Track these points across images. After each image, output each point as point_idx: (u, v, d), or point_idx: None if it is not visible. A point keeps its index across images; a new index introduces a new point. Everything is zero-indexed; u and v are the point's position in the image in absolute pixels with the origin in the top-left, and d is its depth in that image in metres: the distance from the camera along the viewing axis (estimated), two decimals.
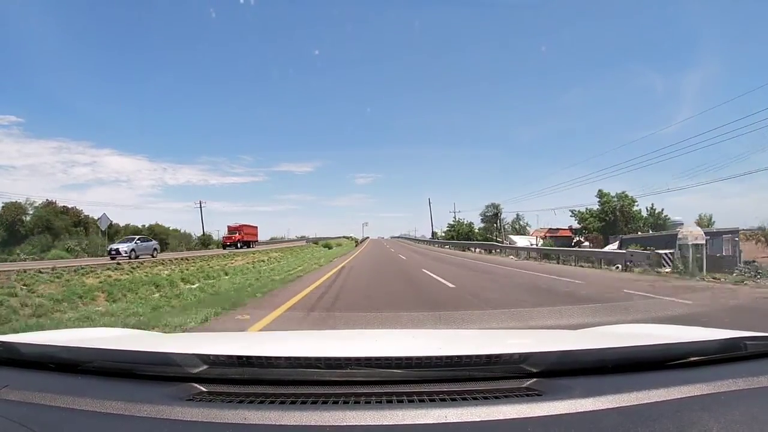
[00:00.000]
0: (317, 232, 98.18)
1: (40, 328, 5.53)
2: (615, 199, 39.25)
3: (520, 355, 1.09)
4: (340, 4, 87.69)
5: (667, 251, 14.16)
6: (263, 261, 25.63)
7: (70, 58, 78.18)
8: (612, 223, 38.42)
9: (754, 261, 15.28)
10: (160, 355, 1.18)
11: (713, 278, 12.16)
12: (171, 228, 51.40)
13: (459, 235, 50.12)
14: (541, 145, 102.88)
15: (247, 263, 23.75)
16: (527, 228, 56.53)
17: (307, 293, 8.83)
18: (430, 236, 70.56)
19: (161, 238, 46.66)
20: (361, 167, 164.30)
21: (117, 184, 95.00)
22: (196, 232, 52.19)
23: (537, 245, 31.71)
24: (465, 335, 2.55)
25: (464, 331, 4.25)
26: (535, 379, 1.04)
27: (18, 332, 4.27)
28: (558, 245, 30.02)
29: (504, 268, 16.55)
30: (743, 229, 25.08)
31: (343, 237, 67.00)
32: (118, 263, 18.32)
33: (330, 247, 46.23)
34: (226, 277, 16.03)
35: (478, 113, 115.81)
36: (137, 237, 24.39)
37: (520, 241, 41.72)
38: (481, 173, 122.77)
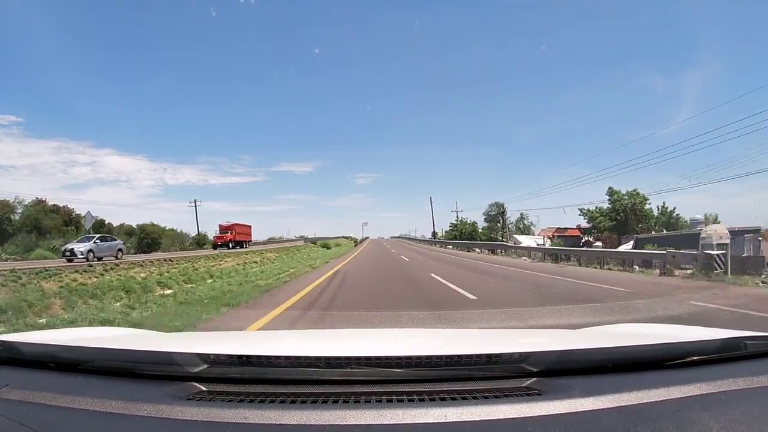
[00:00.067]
0: (317, 232, 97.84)
1: None
2: (626, 198, 37.55)
3: (520, 354, 1.09)
4: (340, 4, 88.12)
5: (718, 252, 12.50)
6: (255, 262, 24.15)
7: (70, 58, 78.21)
8: (623, 222, 36.73)
9: None
10: (161, 354, 1.18)
11: (763, 282, 10.56)
12: (168, 228, 50.51)
13: (462, 235, 48.42)
14: (541, 145, 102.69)
15: (237, 265, 22.27)
16: (531, 228, 54.82)
17: (292, 303, 7.48)
18: (431, 236, 69.50)
19: (153, 237, 45.21)
20: (361, 167, 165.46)
21: (117, 184, 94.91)
22: (194, 231, 50.81)
23: (544, 245, 30.00)
24: (465, 334, 2.54)
25: (464, 330, 4.15)
26: (535, 379, 1.03)
27: None
28: (567, 245, 28.32)
29: (524, 271, 14.53)
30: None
31: (343, 237, 65.84)
32: (90, 265, 16.70)
33: (328, 248, 44.69)
34: (209, 281, 14.68)
35: (479, 113, 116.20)
36: (97, 236, 21.19)
37: (526, 240, 40.00)
38: (481, 173, 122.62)
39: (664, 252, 14.18)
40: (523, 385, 1.02)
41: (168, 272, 17.60)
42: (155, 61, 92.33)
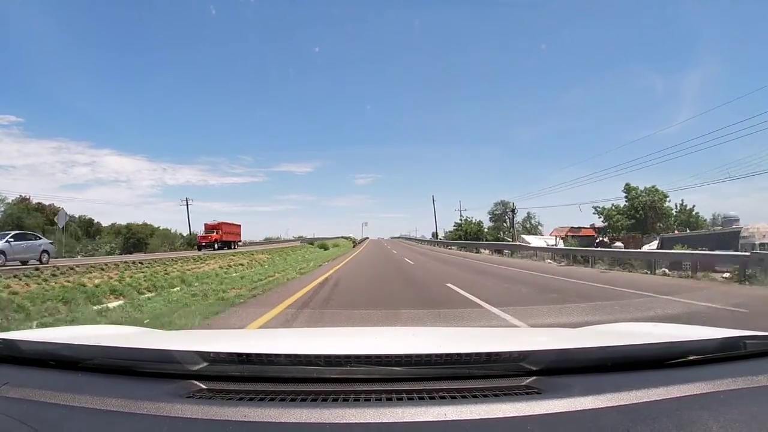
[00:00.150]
0: (317, 232, 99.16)
1: None
2: (644, 194, 34.97)
3: (520, 353, 1.09)
4: (340, 4, 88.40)
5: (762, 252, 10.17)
6: (241, 265, 21.73)
7: (70, 58, 78.51)
8: (642, 220, 34.14)
9: None
10: (161, 352, 1.17)
11: None
12: (162, 227, 48.93)
13: (467, 235, 45.77)
14: (543, 145, 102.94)
15: (219, 268, 19.86)
16: (539, 227, 52.32)
17: (259, 325, 5.53)
18: (431, 236, 67.52)
19: (140, 237, 42.65)
20: (361, 168, 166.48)
21: (116, 184, 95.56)
22: (193, 231, 48.47)
23: (556, 245, 27.42)
24: (465, 333, 2.48)
25: (464, 328, 4.06)
26: (534, 377, 1.04)
27: None
28: (583, 245, 25.76)
29: (551, 277, 11.98)
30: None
31: (342, 237, 63.54)
32: (36, 268, 14.14)
33: (326, 248, 42.19)
34: (175, 289, 12.39)
35: (479, 113, 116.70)
36: (12, 233, 16.53)
37: (534, 241, 37.56)
38: (482, 173, 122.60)
39: (747, 253, 12.01)
40: (522, 383, 1.02)
41: (132, 277, 15.06)
42: (155, 61, 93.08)
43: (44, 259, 16.67)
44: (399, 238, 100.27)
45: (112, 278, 14.71)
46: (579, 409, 0.89)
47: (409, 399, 0.95)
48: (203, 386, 1.02)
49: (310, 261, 21.41)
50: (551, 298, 7.67)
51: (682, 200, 36.38)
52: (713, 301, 7.20)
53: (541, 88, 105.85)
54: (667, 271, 13.15)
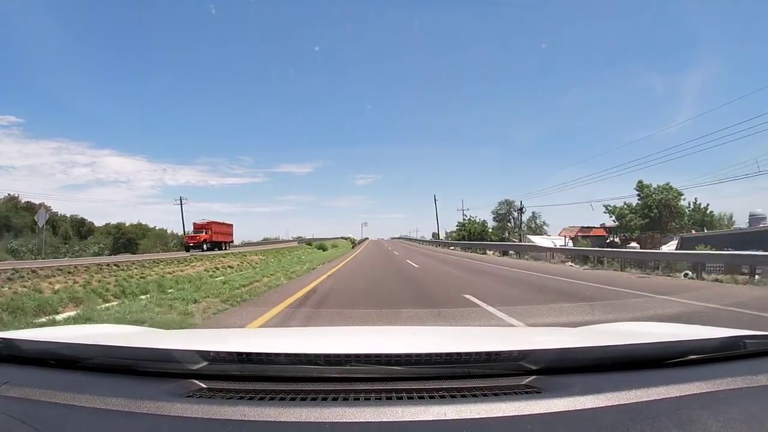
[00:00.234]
0: (317, 233, 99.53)
1: None
2: (657, 192, 33.20)
3: (520, 352, 1.09)
4: (340, 4, 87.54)
5: None
6: (230, 268, 20.11)
7: (69, 58, 78.07)
8: (656, 219, 32.42)
9: None
10: (161, 351, 1.17)
11: None
12: (158, 227, 48.70)
13: (470, 235, 43.98)
14: (544, 145, 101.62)
15: (205, 270, 18.30)
16: (544, 227, 50.60)
17: None
18: (431, 237, 66.21)
19: (130, 237, 41.03)
20: (361, 168, 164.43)
21: (116, 184, 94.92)
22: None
23: (566, 246, 25.76)
24: (465, 332, 2.46)
25: (464, 328, 4.01)
26: (534, 377, 1.03)
27: None
28: (596, 246, 24.05)
29: (576, 282, 10.24)
30: None
31: (341, 238, 61.91)
32: None
33: (324, 249, 40.60)
34: (144, 297, 10.73)
35: (479, 113, 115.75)
36: None
37: (541, 241, 35.85)
38: (482, 173, 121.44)
39: (753, 253, 11.12)
40: (522, 383, 1.02)
41: (101, 282, 13.40)
42: (155, 61, 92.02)
43: None
44: (399, 238, 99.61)
45: (77, 283, 13.04)
46: (579, 408, 0.89)
47: (409, 398, 0.95)
48: (203, 385, 1.02)
49: (305, 263, 19.70)
50: (590, 311, 6.21)
51: (695, 198, 34.63)
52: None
53: (541, 88, 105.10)
54: (690, 273, 11.63)
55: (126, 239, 39.49)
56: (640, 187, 34.07)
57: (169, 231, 48.57)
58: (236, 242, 58.03)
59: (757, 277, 10.29)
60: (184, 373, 1.06)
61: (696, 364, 1.12)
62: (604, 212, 35.50)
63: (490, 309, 6.32)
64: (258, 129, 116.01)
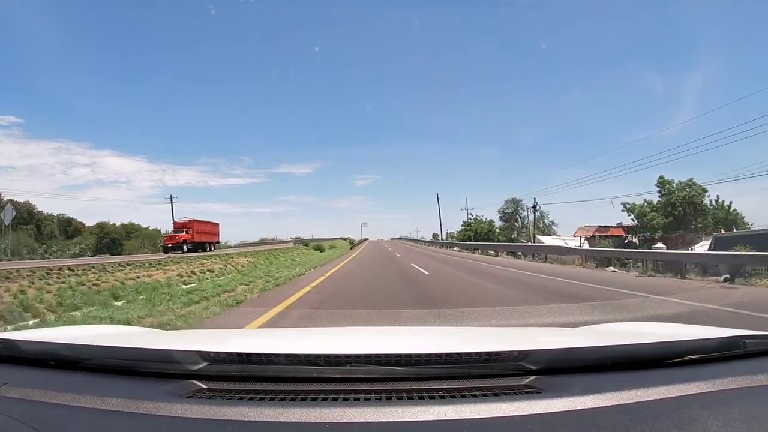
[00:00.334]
0: (317, 233, 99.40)
1: None
2: (680, 188, 30.70)
3: (520, 352, 1.08)
4: (340, 4, 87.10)
5: None
6: (210, 272, 17.65)
7: (69, 58, 78.08)
8: (680, 218, 29.92)
9: None
10: (161, 352, 1.16)
11: None
12: (151, 228, 46.93)
13: (476, 235, 41.54)
14: (545, 145, 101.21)
15: (178, 275, 15.76)
16: (553, 227, 48.06)
17: None
18: (431, 237, 64.19)
19: (113, 237, 38.48)
20: (361, 169, 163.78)
21: (116, 185, 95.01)
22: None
23: (581, 247, 23.23)
24: (465, 332, 2.47)
25: (464, 328, 4.05)
26: (534, 377, 1.03)
27: None
28: (616, 247, 21.56)
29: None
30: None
31: (341, 239, 59.59)
32: None
33: (321, 250, 38.05)
34: (78, 312, 8.58)
35: (480, 113, 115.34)
36: None
37: (550, 241, 33.35)
38: (483, 173, 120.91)
39: None
40: (522, 383, 1.01)
41: (40, 289, 10.97)
42: (155, 61, 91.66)
43: None
44: (399, 239, 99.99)
45: (9, 291, 10.52)
46: (579, 408, 0.89)
47: (409, 398, 0.94)
48: (203, 386, 1.02)
49: (295, 266, 17.26)
50: None
51: (718, 196, 31.98)
52: None
53: (542, 88, 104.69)
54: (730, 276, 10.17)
55: (109, 239, 36.99)
56: (661, 183, 31.57)
57: (162, 231, 46.87)
58: (234, 242, 55.05)
59: None
60: (184, 374, 1.06)
61: (696, 364, 1.12)
62: (622, 210, 33.03)
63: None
64: (258, 129, 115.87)
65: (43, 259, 25.47)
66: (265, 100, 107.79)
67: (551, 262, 18.24)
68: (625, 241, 31.28)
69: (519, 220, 48.09)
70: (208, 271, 18.05)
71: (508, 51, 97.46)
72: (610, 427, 0.81)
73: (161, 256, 25.15)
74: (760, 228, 24.43)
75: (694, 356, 1.13)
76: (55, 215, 47.46)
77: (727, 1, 63.31)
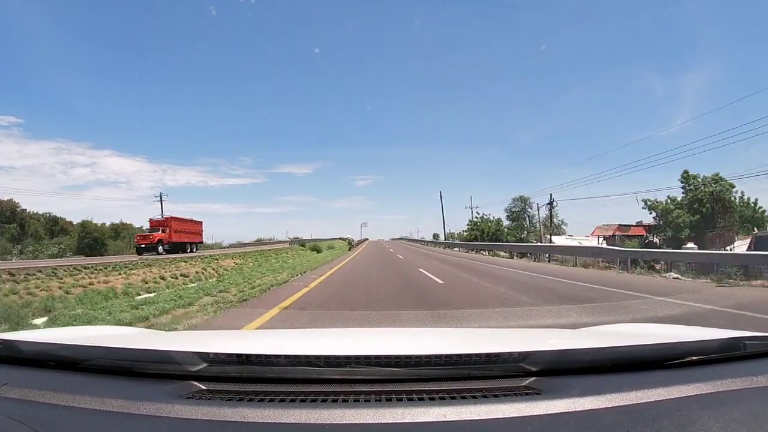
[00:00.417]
0: (318, 233, 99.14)
1: None
2: (708, 183, 28.16)
3: (520, 353, 1.07)
4: (340, 4, 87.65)
5: None
6: (183, 277, 15.29)
7: (69, 58, 78.00)
8: (708, 216, 27.43)
9: None
10: (160, 353, 1.16)
11: None
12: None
13: (483, 235, 39.05)
14: (545, 145, 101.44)
15: (143, 281, 13.32)
16: (563, 227, 45.51)
17: None
18: (432, 237, 62.38)
19: (96, 237, 36.16)
20: (361, 169, 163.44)
21: (116, 185, 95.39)
22: None
23: (600, 246, 20.84)
24: (465, 334, 2.49)
25: (464, 329, 4.05)
26: (534, 378, 1.02)
27: None
28: (640, 248, 19.17)
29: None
30: None
31: (339, 239, 57.36)
32: None
33: (318, 251, 35.70)
34: None
35: (480, 113, 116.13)
36: None
37: (563, 241, 30.92)
38: (483, 173, 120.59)
39: None
40: (522, 384, 1.01)
41: None
42: (155, 61, 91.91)
43: None
44: (400, 239, 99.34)
45: None
46: (579, 409, 0.88)
47: (408, 400, 0.94)
48: (203, 387, 1.02)
49: (285, 269, 14.87)
50: None
51: (742, 192, 29.48)
52: None
53: (542, 88, 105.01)
54: None
55: (91, 239, 34.65)
56: (686, 178, 29.02)
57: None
58: (230, 242, 52.63)
59: None
60: (184, 375, 1.06)
61: (696, 365, 1.12)
62: (643, 208, 30.44)
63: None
64: (258, 129, 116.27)
65: (4, 261, 23.17)
66: (265, 100, 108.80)
67: (572, 265, 15.87)
68: (646, 241, 28.83)
69: (527, 219, 45.59)
70: (182, 275, 15.80)
71: (508, 51, 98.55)
72: (610, 429, 0.81)
73: (134, 258, 22.22)
74: None
75: (694, 357, 1.13)
76: (41, 214, 45.50)
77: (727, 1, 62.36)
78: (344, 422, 0.84)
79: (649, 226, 31.11)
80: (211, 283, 11.53)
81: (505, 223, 43.66)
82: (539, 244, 27.10)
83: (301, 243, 49.62)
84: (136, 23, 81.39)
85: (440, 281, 10.40)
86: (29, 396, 0.96)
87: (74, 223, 42.58)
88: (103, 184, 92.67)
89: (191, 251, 29.25)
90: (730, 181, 27.86)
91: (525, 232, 41.62)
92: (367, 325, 5.14)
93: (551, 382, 1.00)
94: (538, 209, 41.83)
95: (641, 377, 1.02)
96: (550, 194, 33.77)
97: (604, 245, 22.92)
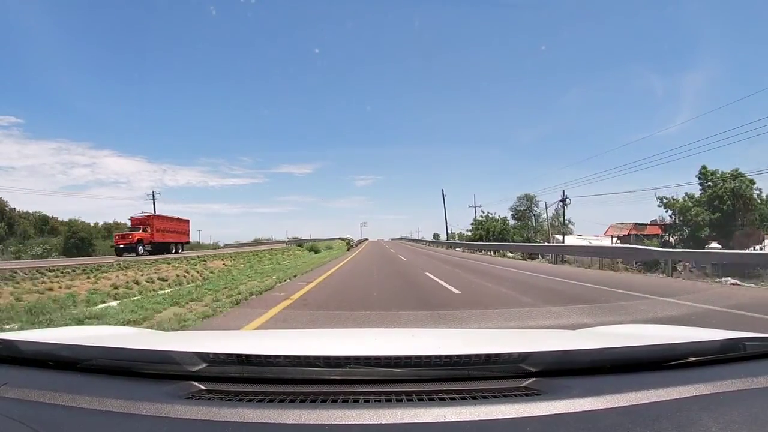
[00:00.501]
0: (318, 233, 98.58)
1: None
2: (728, 179, 26.53)
3: (519, 354, 1.07)
4: (340, 4, 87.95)
5: None
6: (160, 281, 13.64)
7: (70, 58, 78.35)
8: (729, 214, 25.82)
9: None
10: (160, 353, 1.16)
11: None
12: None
13: (489, 234, 37.42)
14: (544, 145, 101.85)
15: (111, 287, 11.81)
16: (569, 226, 43.90)
17: None
18: (432, 237, 61.21)
19: (83, 236, 34.82)
20: (361, 169, 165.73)
21: (116, 185, 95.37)
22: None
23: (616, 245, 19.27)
24: (464, 334, 2.46)
25: (464, 330, 3.97)
26: (534, 379, 1.02)
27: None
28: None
29: None
30: None
31: (339, 239, 56.04)
32: None
33: (316, 251, 34.25)
34: None
35: (480, 113, 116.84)
36: None
37: (572, 241, 29.33)
38: (483, 173, 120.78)
39: None
40: (522, 385, 1.00)
41: None
42: (155, 61, 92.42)
43: None
44: (400, 239, 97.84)
45: None
46: (578, 410, 0.88)
47: (408, 400, 0.93)
48: (202, 387, 1.01)
49: (275, 272, 13.38)
50: None
51: (760, 190, 27.83)
52: None
53: (541, 88, 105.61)
54: None
55: (78, 239, 33.14)
56: (704, 174, 27.42)
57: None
58: (228, 242, 51.05)
59: None
60: (183, 375, 1.05)
61: (696, 366, 1.11)
62: (658, 206, 28.86)
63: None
64: (258, 129, 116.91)
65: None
66: (265, 100, 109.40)
67: (598, 267, 14.35)
68: (663, 241, 27.25)
69: (533, 218, 43.96)
70: (159, 279, 14.16)
71: (508, 49, 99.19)
72: (610, 429, 0.81)
73: (112, 259, 20.06)
74: None
75: (694, 358, 1.13)
76: (31, 213, 44.41)
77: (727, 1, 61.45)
78: (344, 423, 0.84)
79: (665, 224, 29.49)
80: (186, 290, 9.98)
81: (511, 222, 42.09)
82: (557, 244, 25.22)
83: (299, 243, 47.93)
84: (136, 23, 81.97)
85: (455, 290, 8.50)
86: (29, 396, 0.96)
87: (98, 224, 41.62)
88: (103, 184, 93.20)
89: (176, 252, 27.33)
90: (750, 177, 26.25)
91: (533, 231, 39.95)
92: (367, 326, 5.04)
93: (551, 382, 0.99)
94: (546, 208, 40.24)
95: (641, 378, 1.02)
96: (563, 190, 31.64)
97: (619, 244, 21.29)
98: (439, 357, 1.05)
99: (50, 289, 11.06)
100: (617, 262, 14.51)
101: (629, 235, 29.22)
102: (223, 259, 22.15)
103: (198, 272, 16.88)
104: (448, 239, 50.31)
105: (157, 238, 26.42)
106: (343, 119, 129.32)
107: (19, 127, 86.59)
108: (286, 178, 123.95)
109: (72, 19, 79.09)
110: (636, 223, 31.55)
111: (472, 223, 43.10)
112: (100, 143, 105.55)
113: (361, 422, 0.83)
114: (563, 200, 31.29)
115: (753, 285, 9.41)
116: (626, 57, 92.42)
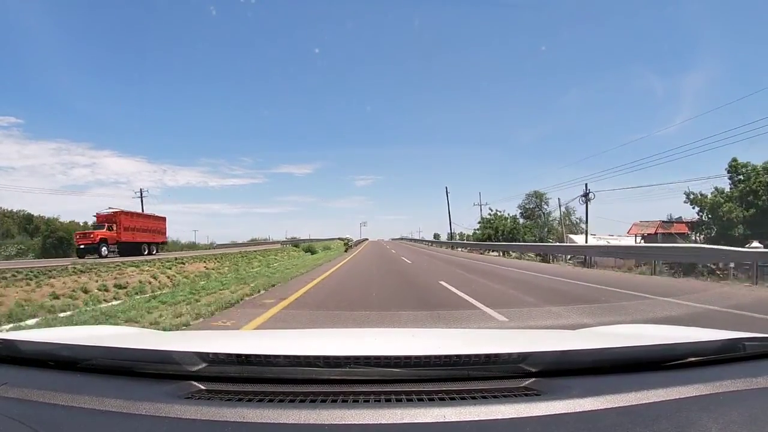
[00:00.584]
0: (318, 233, 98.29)
1: None
2: (764, 172, 24.19)
3: (519, 354, 1.07)
4: (340, 4, 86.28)
5: None
6: (118, 289, 11.47)
7: (70, 58, 77.25)
8: (765, 210, 23.49)
9: None
10: (160, 353, 1.16)
11: None
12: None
13: (498, 234, 35.08)
14: (544, 145, 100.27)
15: (49, 297, 9.61)
16: (581, 225, 41.57)
17: None
18: (432, 237, 59.78)
19: (61, 236, 32.58)
20: (361, 169, 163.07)
21: (116, 185, 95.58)
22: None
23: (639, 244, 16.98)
24: (464, 334, 2.46)
25: (464, 330, 3.99)
26: (533, 379, 1.02)
27: None
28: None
29: None
30: None
31: (338, 239, 54.17)
32: None
33: (312, 252, 32.11)
34: None
35: (480, 113, 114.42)
36: None
37: (581, 241, 27.01)
38: (483, 174, 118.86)
39: None
40: (521, 385, 1.00)
41: None
42: (155, 61, 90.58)
43: None
44: (400, 239, 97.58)
45: None
46: (578, 410, 0.87)
47: (408, 400, 0.93)
48: (202, 387, 1.01)
49: (257, 278, 11.21)
50: None
51: None
52: None
53: (541, 88, 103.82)
54: None
55: (56, 238, 30.91)
56: (734, 167, 25.07)
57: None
58: (225, 242, 48.79)
59: None
60: (183, 375, 1.05)
61: (696, 367, 1.11)
62: (684, 202, 26.49)
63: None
64: (258, 130, 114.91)
65: None
66: (265, 101, 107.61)
67: (651, 273, 11.97)
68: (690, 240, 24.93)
69: (542, 216, 41.71)
70: (117, 287, 11.91)
71: (508, 49, 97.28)
72: (610, 430, 0.81)
73: (70, 261, 16.78)
74: None
75: (693, 358, 1.13)
76: (16, 212, 42.53)
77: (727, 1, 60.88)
78: (343, 423, 0.84)
79: (691, 222, 27.18)
80: (137, 302, 7.69)
81: (521, 221, 39.77)
82: (593, 245, 22.08)
83: (295, 243, 45.43)
84: (136, 23, 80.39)
85: (501, 317, 5.66)
86: (29, 396, 0.97)
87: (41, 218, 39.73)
88: (103, 184, 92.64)
89: (150, 253, 24.59)
90: None
91: (546, 230, 37.76)
92: (367, 326, 5.10)
93: (551, 383, 0.99)
94: (560, 205, 37.93)
95: (641, 378, 1.02)
96: (585, 184, 28.67)
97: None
98: (439, 357, 1.05)
99: None
100: (653, 266, 12.21)
101: (656, 233, 26.91)
102: (204, 262, 19.83)
103: (169, 277, 14.62)
104: (451, 239, 47.96)
105: (125, 237, 23.56)
106: (343, 119, 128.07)
107: (19, 127, 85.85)
108: (286, 178, 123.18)
109: (72, 19, 78.35)
110: (663, 221, 29.13)
111: (479, 222, 40.63)
112: (100, 143, 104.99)
113: (361, 422, 0.84)
114: (586, 195, 28.07)
115: None
116: (626, 57, 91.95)
